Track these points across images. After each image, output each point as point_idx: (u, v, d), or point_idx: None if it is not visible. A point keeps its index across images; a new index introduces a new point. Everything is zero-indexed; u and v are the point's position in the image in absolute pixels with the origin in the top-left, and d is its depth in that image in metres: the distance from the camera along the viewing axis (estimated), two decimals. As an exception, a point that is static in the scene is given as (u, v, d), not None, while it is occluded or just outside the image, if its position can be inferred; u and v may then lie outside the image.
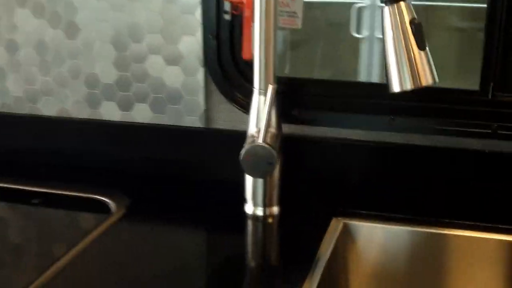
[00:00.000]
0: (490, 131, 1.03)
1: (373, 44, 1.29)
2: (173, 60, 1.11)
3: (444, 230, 1.01)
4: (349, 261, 1.03)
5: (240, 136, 1.03)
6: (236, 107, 1.10)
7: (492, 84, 1.02)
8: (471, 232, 1.01)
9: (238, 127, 1.11)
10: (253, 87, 1.00)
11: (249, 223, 1.04)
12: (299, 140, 1.10)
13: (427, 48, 0.82)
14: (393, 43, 0.83)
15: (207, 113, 1.13)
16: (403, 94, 1.04)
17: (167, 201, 1.09)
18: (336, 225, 1.02)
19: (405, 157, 1.07)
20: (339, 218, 1.03)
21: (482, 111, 1.03)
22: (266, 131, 0.95)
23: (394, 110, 1.05)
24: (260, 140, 0.96)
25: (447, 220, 1.02)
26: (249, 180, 1.04)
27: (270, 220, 1.03)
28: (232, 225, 1.03)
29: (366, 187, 1.09)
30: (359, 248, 1.03)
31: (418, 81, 0.82)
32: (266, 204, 1.04)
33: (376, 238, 1.03)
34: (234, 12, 1.06)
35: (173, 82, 1.12)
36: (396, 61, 0.83)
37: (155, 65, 1.12)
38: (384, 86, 1.07)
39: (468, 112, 1.04)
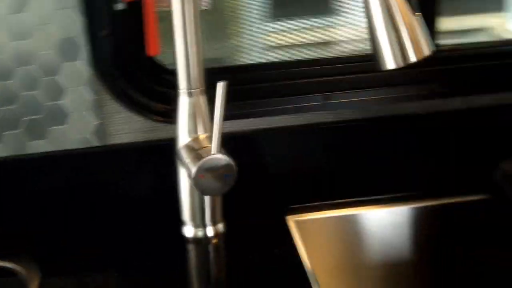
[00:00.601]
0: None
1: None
2: (49, 70, 0.87)
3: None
4: (314, 257, 0.91)
5: (148, 148, 0.86)
6: (140, 115, 0.90)
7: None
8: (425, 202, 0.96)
9: (140, 137, 0.92)
10: (179, 89, 0.82)
11: (194, 249, 0.86)
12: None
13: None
14: (383, 10, 0.70)
15: (102, 127, 0.91)
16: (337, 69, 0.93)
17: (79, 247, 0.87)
18: (290, 225, 0.90)
19: (342, 134, 0.96)
20: (292, 217, 0.91)
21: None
22: (219, 138, 0.78)
23: (327, 87, 0.94)
24: (214, 150, 0.78)
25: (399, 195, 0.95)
26: (186, 197, 0.86)
27: (215, 240, 0.87)
28: (174, 257, 0.84)
29: (311, 175, 0.96)
30: (319, 241, 0.92)
31: (420, 52, 0.71)
32: (212, 223, 0.87)
33: (334, 228, 0.93)
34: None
35: (52, 97, 0.88)
36: (390, 30, 0.70)
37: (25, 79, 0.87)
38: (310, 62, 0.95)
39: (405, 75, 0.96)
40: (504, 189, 0.97)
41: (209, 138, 0.82)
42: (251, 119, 0.94)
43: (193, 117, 0.82)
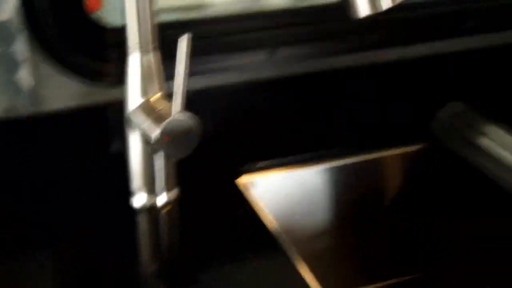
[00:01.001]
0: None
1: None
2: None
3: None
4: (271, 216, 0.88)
5: (87, 114, 0.79)
6: (79, 78, 0.82)
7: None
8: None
9: (78, 102, 0.84)
10: (128, 46, 0.75)
11: (148, 217, 0.81)
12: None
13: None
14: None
15: (34, 92, 0.82)
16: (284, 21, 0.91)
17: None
18: (243, 186, 0.86)
19: (289, 89, 0.93)
20: (243, 178, 0.88)
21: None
22: (183, 95, 0.72)
23: (273, 41, 0.90)
24: (177, 109, 0.73)
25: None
26: (137, 164, 0.80)
27: (170, 207, 0.81)
28: (126, 227, 0.79)
29: (262, 132, 0.92)
30: (273, 201, 0.90)
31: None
32: (165, 190, 0.81)
33: (285, 186, 0.91)
34: None
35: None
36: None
37: None
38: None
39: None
40: (441, 138, 0.98)
41: (165, 97, 0.77)
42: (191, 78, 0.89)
43: (147, 76, 0.76)
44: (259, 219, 0.80)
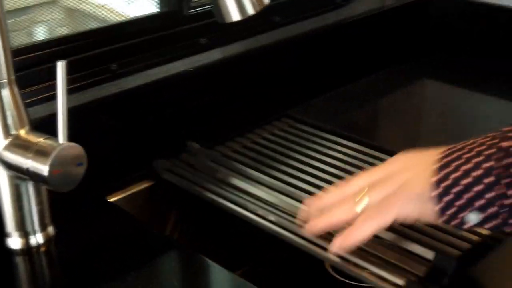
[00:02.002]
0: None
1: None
2: None
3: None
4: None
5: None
6: None
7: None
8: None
9: None
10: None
11: (26, 260, 0.75)
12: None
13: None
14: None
15: None
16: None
17: None
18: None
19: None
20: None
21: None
22: (65, 124, 0.69)
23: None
24: (62, 139, 0.69)
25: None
26: (8, 206, 0.74)
27: (47, 246, 0.77)
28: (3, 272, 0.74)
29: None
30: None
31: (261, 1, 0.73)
32: (41, 228, 0.76)
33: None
34: None
35: None
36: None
37: None
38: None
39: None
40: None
41: (32, 132, 0.73)
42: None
43: (9, 111, 0.71)
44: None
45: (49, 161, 0.68)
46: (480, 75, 1.19)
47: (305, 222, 0.74)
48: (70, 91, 0.84)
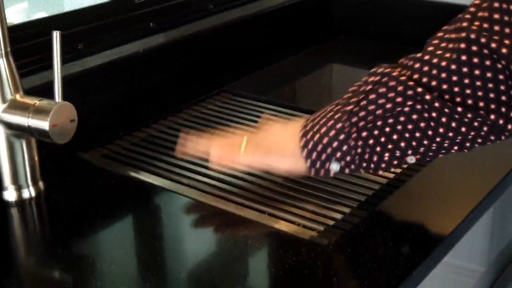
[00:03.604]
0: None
1: None
2: None
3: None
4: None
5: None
6: None
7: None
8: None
9: None
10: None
11: (20, 211, 0.86)
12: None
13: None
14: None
15: None
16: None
17: None
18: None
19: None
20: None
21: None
22: (60, 85, 0.82)
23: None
24: (58, 99, 0.82)
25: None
26: (5, 161, 0.86)
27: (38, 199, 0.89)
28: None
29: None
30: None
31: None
32: (32, 183, 0.88)
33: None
34: None
35: None
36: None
37: None
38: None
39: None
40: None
41: (27, 95, 0.84)
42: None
43: (6, 78, 0.83)
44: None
45: (49, 117, 0.81)
46: (378, 58, 1.39)
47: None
48: (42, 69, 0.98)
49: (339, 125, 0.81)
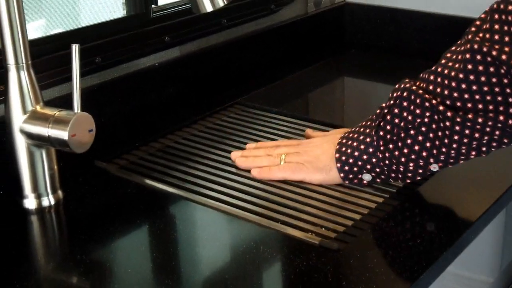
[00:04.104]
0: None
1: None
2: None
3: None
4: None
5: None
6: None
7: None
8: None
9: None
10: (8, 64, 0.85)
11: (40, 219, 0.89)
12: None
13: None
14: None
15: None
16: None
17: None
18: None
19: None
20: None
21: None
22: (80, 96, 0.85)
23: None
24: (77, 109, 0.85)
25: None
26: (26, 170, 0.89)
27: (57, 208, 0.91)
28: (19, 230, 0.87)
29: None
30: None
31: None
32: (52, 191, 0.91)
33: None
34: None
35: None
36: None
37: None
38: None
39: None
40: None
41: (47, 106, 0.87)
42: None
43: (27, 90, 0.86)
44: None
45: (68, 127, 0.84)
46: (388, 71, 1.41)
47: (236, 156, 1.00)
48: (61, 81, 1.01)
49: (368, 139, 0.89)
